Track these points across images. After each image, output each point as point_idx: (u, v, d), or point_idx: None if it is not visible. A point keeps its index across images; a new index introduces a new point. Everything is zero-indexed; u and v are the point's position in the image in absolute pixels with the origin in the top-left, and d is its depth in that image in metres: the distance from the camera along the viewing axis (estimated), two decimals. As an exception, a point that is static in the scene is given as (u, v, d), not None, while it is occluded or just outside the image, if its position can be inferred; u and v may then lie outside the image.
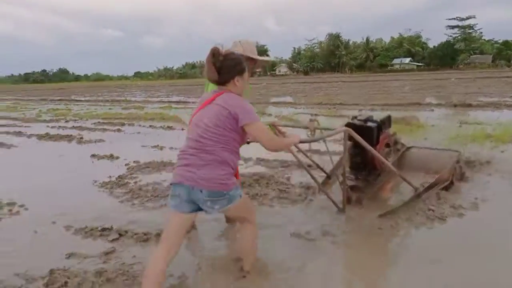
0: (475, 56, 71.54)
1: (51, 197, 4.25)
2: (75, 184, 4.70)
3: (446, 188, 3.71)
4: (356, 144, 3.36)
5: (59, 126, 10.39)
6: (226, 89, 2.22)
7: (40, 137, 8.53)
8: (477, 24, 76.09)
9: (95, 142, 7.68)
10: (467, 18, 74.12)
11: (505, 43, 76.00)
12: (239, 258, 2.57)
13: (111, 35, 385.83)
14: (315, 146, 3.43)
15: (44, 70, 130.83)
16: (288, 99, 18.55)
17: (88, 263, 2.74)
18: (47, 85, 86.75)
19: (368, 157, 3.55)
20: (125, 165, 5.50)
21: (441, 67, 68.55)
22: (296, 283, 2.42)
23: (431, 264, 2.52)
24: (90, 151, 6.58)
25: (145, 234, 3.08)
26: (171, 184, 2.18)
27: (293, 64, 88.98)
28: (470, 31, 75.13)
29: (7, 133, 9.41)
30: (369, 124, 3.52)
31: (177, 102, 18.64)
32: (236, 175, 2.27)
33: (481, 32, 77.48)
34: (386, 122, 3.79)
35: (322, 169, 3.87)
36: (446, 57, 71.58)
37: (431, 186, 3.58)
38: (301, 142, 2.55)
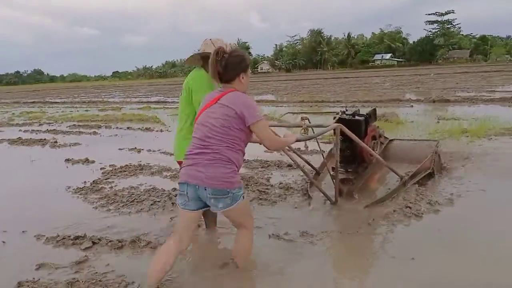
0: (453, 51, 73.05)
1: (22, 205, 4.10)
2: (47, 191, 4.55)
3: (428, 176, 3.95)
4: (345, 139, 3.47)
5: (33, 130, 10.10)
6: (231, 87, 2.25)
7: (12, 142, 8.27)
8: (455, 19, 77.90)
9: (70, 146, 7.49)
10: (446, 13, 75.62)
11: (482, 38, 77.84)
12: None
13: (88, 33, 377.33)
14: (297, 145, 3.46)
15: (17, 72, 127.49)
16: (270, 97, 18.55)
17: (59, 274, 2.63)
18: (21, 86, 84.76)
19: (357, 151, 3.68)
20: (101, 169, 5.37)
21: (421, 63, 69.74)
22: (275, 284, 2.39)
23: (407, 262, 2.52)
24: (64, 155, 6.40)
25: (119, 241, 2.99)
26: (179, 183, 2.25)
27: (275, 61, 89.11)
28: (448, 26, 76.65)
29: (-21, 138, 9.11)
30: (357, 118, 3.67)
31: (157, 102, 18.41)
32: None
33: (460, 27, 79.25)
34: (372, 115, 3.95)
35: (312, 166, 4.10)
36: (426, 52, 72.78)
37: (414, 175, 3.80)
38: (298, 141, 2.64)
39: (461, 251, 2.64)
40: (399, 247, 2.75)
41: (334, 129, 3.27)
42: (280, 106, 13.62)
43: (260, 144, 2.33)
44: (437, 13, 76.39)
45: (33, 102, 24.44)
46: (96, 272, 2.60)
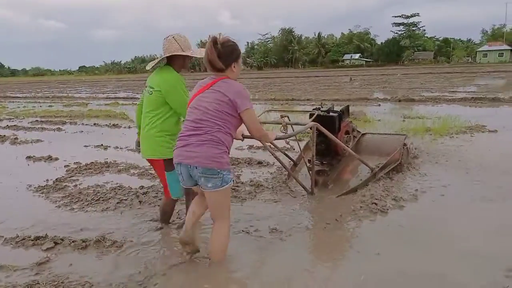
0: (418, 52, 75.57)
1: (-21, 205, 3.88)
2: (6, 189, 4.33)
3: (397, 168, 4.22)
4: (320, 133, 3.66)
5: (-9, 126, 9.59)
6: (223, 75, 2.34)
7: (-32, 138, 7.79)
8: (420, 22, 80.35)
9: (32, 142, 7.16)
10: (412, 16, 78.01)
11: (445, 40, 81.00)
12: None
13: (54, 26, 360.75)
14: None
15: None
16: (242, 94, 18.45)
17: (18, 276, 2.51)
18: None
19: (331, 144, 3.91)
20: (65, 167, 5.17)
21: (388, 63, 71.77)
22: (242, 281, 2.38)
23: (371, 257, 2.58)
24: (25, 152, 6.12)
25: (83, 241, 2.88)
26: (174, 163, 2.38)
27: (247, 59, 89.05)
28: (414, 28, 79.18)
29: None
30: (331, 114, 3.90)
31: (125, 98, 17.95)
32: None
33: (424, 30, 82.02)
34: (345, 111, 4.22)
35: (290, 158, 4.31)
36: (393, 53, 74.95)
37: (384, 166, 4.06)
38: (277, 139, 2.84)
39: (423, 246, 2.73)
40: (365, 242, 2.81)
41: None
42: (252, 103, 13.58)
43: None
44: (403, 16, 78.77)
45: (-9, 97, 23.22)
46: (58, 274, 2.50)
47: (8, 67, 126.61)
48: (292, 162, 4.31)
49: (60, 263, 2.65)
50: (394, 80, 23.93)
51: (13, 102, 18.60)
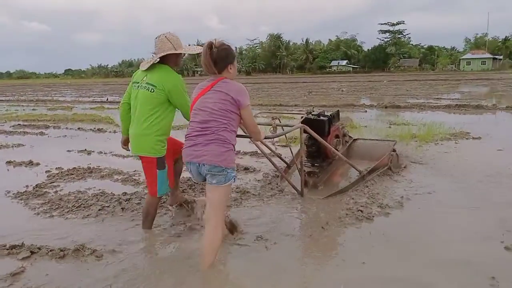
0: (404, 59, 76.81)
1: (-47, 212, 3.73)
2: (-17, 196, 4.18)
3: (386, 172, 4.39)
4: (311, 136, 3.81)
5: (-29, 130, 9.32)
6: (221, 76, 2.45)
7: None
8: (406, 29, 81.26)
9: (13, 147, 6.97)
10: (397, 24, 79.36)
11: (430, 48, 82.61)
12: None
13: (37, 29, 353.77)
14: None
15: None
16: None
17: (-9, 287, 2.40)
18: (-40, 83, 78.39)
19: (321, 147, 4.03)
20: (46, 172, 5.03)
21: (374, 70, 72.75)
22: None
23: (355, 266, 2.55)
24: (5, 157, 5.95)
25: (61, 250, 2.78)
26: (185, 162, 2.50)
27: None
28: (399, 36, 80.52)
29: None
30: (321, 118, 4.03)
31: (111, 102, 17.71)
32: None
33: (410, 37, 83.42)
34: (336, 116, 4.34)
35: (283, 160, 4.47)
36: (379, 60, 76.03)
37: (373, 170, 4.22)
38: (266, 138, 3.03)
39: (408, 254, 2.72)
40: (350, 251, 2.78)
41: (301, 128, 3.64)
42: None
43: None
44: (389, 23, 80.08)
45: (-27, 100, 22.67)
46: (33, 285, 2.40)
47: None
48: (286, 165, 4.48)
49: (35, 273, 2.55)
50: (381, 86, 24.23)
51: (-5, 105, 18.19)
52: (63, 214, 3.55)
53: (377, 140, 5.27)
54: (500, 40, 75.94)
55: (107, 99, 14.08)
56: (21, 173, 5.12)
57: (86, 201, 3.80)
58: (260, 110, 13.14)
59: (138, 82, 2.95)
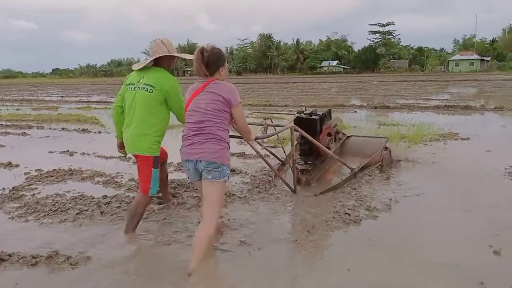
0: (394, 60, 77.31)
1: None
2: (-44, 199, 3.99)
3: (379, 168, 4.46)
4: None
5: (-50, 130, 9.03)
6: (212, 77, 2.59)
7: None
8: (395, 30, 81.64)
9: (-8, 147, 6.74)
10: (387, 25, 79.81)
11: (419, 49, 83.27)
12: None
13: (24, 27, 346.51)
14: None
15: None
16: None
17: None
18: None
19: (314, 145, 4.05)
20: (25, 174, 4.85)
21: (365, 70, 73.11)
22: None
23: (340, 273, 2.45)
24: (-17, 158, 5.73)
25: (33, 257, 2.63)
26: (181, 161, 2.64)
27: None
28: (389, 37, 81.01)
29: None
30: (313, 117, 4.10)
31: (98, 102, 17.44)
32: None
33: (399, 38, 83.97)
34: (327, 115, 4.40)
35: (278, 158, 4.57)
36: (369, 61, 76.39)
37: (365, 167, 4.30)
38: (257, 138, 3.15)
39: (396, 258, 2.63)
40: (336, 256, 2.69)
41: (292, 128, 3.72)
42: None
43: None
44: (379, 24, 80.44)
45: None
46: (1, 295, 2.26)
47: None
48: (280, 162, 4.57)
49: (4, 282, 2.41)
50: (371, 87, 24.30)
51: (-22, 104, 17.77)
52: (38, 219, 3.39)
53: (370, 137, 5.28)
54: (488, 41, 76.97)
55: None
56: (-2, 175, 4.93)
57: (64, 205, 3.64)
58: (251, 111, 13.07)
59: (134, 84, 3.01)
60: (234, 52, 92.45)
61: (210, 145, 2.48)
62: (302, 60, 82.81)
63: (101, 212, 3.46)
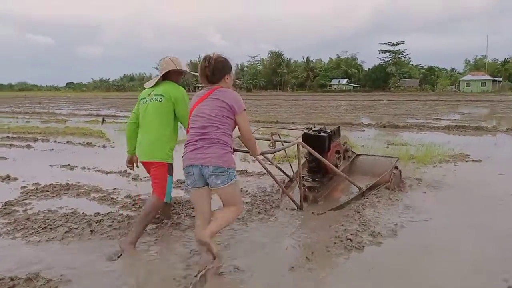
0: (404, 79, 77.12)
1: None
2: None
3: (387, 187, 4.37)
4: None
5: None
6: (217, 85, 2.63)
7: None
8: (406, 49, 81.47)
9: (-6, 160, 6.69)
10: (397, 44, 79.79)
11: (430, 69, 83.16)
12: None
13: (42, 42, 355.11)
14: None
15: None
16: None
17: None
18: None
19: (321, 163, 3.98)
20: (21, 188, 4.76)
21: (375, 89, 72.86)
22: None
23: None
24: (-17, 171, 5.66)
25: (12, 279, 2.47)
26: (184, 167, 2.62)
27: (236, 80, 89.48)
28: (399, 56, 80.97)
29: None
30: (322, 134, 4.09)
31: (107, 116, 17.51)
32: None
33: (410, 58, 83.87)
34: (336, 132, 4.39)
35: (286, 174, 4.54)
36: (379, 80, 76.26)
37: (373, 186, 4.26)
38: (263, 153, 3.15)
39: (401, 290, 2.43)
40: (334, 287, 2.49)
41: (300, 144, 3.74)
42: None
43: None
44: (389, 43, 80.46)
45: (-31, 110, 22.49)
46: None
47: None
48: (288, 178, 4.55)
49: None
50: (380, 106, 24.08)
51: (-11, 116, 17.99)
52: (26, 236, 3.26)
53: (380, 156, 5.19)
54: (499, 62, 76.46)
55: (103, 121, 13.27)
56: (-5, 189, 4.84)
57: (54, 222, 3.51)
58: (257, 127, 12.97)
59: (145, 98, 3.24)
60: (245, 68, 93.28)
61: (214, 149, 2.52)
62: (312, 77, 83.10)
63: (91, 231, 3.31)
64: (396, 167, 4.64)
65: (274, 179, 3.82)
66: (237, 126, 2.69)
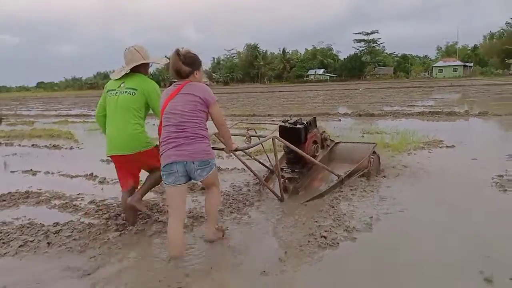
0: (379, 68, 78.18)
1: None
2: None
3: (365, 174, 4.43)
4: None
5: None
6: (186, 80, 2.68)
7: None
8: (380, 38, 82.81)
9: (-51, 169, 6.25)
10: (372, 33, 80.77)
11: (404, 56, 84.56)
12: None
13: (8, 41, 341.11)
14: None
15: None
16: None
17: None
18: None
19: (299, 154, 3.98)
20: (-25, 198, 4.42)
21: (351, 78, 73.59)
22: None
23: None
24: None
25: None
26: (165, 165, 2.63)
27: (213, 74, 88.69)
28: (374, 45, 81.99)
29: None
30: (298, 126, 4.10)
31: (77, 116, 16.92)
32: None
33: (384, 46, 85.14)
34: (312, 123, 4.39)
35: (266, 166, 4.55)
36: (355, 69, 76.99)
37: (352, 173, 4.29)
38: (237, 150, 3.11)
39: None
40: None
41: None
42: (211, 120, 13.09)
43: None
44: (363, 33, 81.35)
45: None
46: None
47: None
48: (269, 171, 4.54)
49: None
50: (356, 94, 24.24)
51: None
52: (-27, 253, 2.98)
53: (358, 143, 5.22)
54: (470, 48, 78.47)
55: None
56: None
57: (8, 235, 3.23)
58: (234, 121, 12.74)
59: (115, 90, 3.21)
60: (221, 62, 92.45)
61: (197, 145, 2.59)
62: (289, 69, 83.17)
63: (48, 243, 3.06)
64: (374, 152, 4.70)
65: (253, 172, 3.80)
66: (210, 117, 2.76)
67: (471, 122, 9.81)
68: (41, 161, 6.58)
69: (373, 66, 77.21)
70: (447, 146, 6.34)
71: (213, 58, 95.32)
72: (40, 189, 4.67)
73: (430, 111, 11.64)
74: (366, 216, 3.39)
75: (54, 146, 8.14)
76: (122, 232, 3.24)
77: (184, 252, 2.77)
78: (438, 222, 3.27)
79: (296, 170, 4.23)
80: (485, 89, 24.10)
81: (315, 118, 4.54)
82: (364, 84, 44.00)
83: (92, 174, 5.31)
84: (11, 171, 5.84)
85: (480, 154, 5.55)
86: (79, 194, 4.43)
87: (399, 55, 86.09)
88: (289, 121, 4.25)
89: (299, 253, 2.81)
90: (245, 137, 3.81)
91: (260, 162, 4.54)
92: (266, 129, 8.39)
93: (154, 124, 3.30)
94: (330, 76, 79.16)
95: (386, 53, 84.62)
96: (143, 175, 3.49)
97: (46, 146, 8.21)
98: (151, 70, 3.79)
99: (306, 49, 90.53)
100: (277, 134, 3.91)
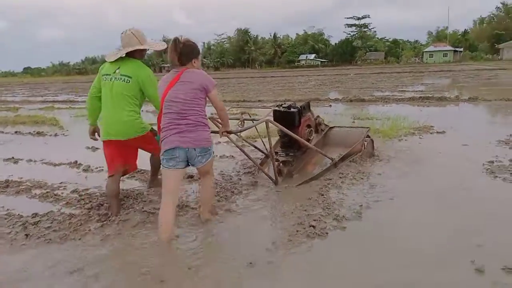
0: (370, 53, 77.82)
1: None
2: None
3: (359, 157, 4.55)
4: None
5: None
6: (185, 67, 2.71)
7: None
8: (371, 23, 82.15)
9: None
10: (363, 18, 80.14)
11: (395, 41, 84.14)
12: None
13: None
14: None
15: None
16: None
17: None
18: None
19: (293, 137, 4.01)
20: (-47, 188, 4.25)
21: (342, 63, 73.30)
22: None
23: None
24: None
25: None
26: (167, 149, 2.68)
27: (203, 59, 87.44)
28: (365, 29, 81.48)
29: None
30: (291, 110, 4.12)
31: (64, 102, 16.55)
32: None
33: (375, 31, 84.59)
34: (306, 107, 4.42)
35: (261, 150, 4.55)
36: (346, 54, 76.57)
37: (345, 157, 4.38)
38: (231, 132, 3.12)
39: (364, 277, 2.25)
40: (296, 281, 2.28)
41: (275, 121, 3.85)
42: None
43: None
44: (355, 17, 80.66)
45: None
46: None
47: None
48: (264, 155, 4.54)
49: None
50: (347, 80, 24.12)
51: None
52: None
53: (352, 127, 5.35)
54: (460, 33, 78.48)
55: None
56: None
57: (-19, 228, 3.09)
58: (226, 107, 12.51)
59: (110, 74, 3.17)
60: (212, 47, 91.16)
61: (199, 132, 2.67)
62: (280, 54, 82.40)
63: (26, 235, 2.93)
64: (368, 136, 4.78)
65: (248, 156, 3.84)
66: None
67: (461, 108, 9.79)
68: (24, 149, 6.39)
69: (364, 51, 76.84)
70: (437, 132, 6.30)
71: (204, 43, 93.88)
72: (21, 178, 4.51)
73: (420, 97, 11.61)
74: (356, 205, 3.33)
75: (38, 133, 7.92)
76: (104, 222, 3.13)
77: (173, 235, 2.80)
78: (428, 210, 3.22)
79: (290, 154, 4.27)
80: (475, 74, 24.16)
81: (308, 102, 4.57)
82: (355, 69, 43.84)
83: (76, 162, 5.15)
84: (-8, 159, 5.64)
85: (470, 140, 5.51)
86: (61, 183, 4.29)
87: (390, 40, 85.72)
88: (282, 105, 4.27)
89: (287, 243, 2.73)
90: (238, 121, 3.90)
91: (254, 146, 4.54)
92: (257, 114, 8.27)
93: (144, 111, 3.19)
94: (321, 61, 78.69)
95: (377, 38, 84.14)
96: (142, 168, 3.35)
97: (30, 133, 7.98)
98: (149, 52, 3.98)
99: (297, 34, 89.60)
100: (270, 118, 3.90)
